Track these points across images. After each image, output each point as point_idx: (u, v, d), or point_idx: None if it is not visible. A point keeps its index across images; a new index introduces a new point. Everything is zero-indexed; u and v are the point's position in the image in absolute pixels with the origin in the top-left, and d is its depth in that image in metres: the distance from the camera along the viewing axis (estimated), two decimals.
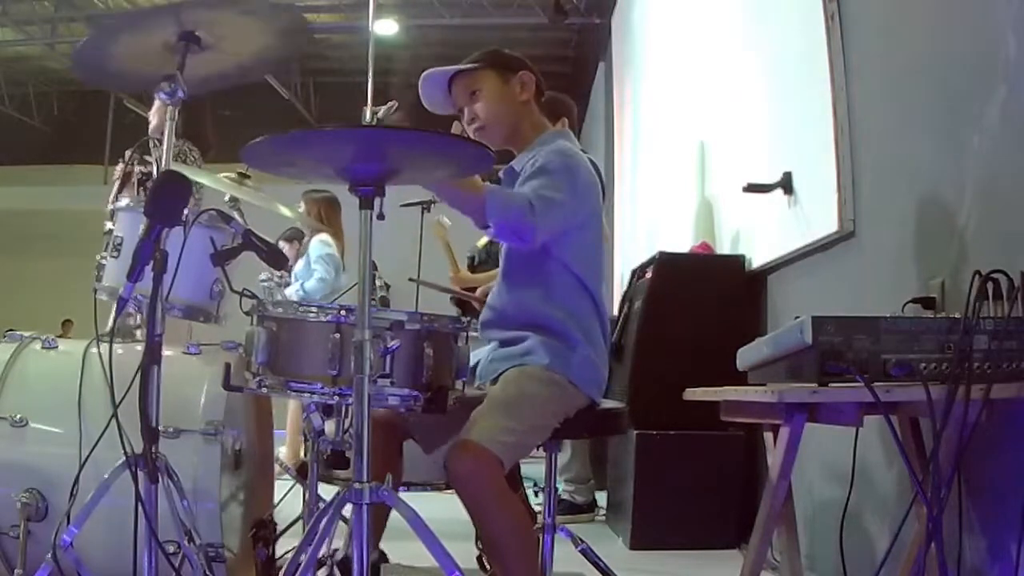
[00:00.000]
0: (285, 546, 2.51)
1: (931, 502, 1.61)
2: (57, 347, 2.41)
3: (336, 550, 1.99)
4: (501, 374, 2.07)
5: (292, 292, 5.03)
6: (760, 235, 3.58)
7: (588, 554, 2.30)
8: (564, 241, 2.09)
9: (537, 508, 2.68)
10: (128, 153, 3.41)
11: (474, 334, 2.04)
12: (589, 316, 2.12)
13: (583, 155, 2.18)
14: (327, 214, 5.27)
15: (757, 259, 3.60)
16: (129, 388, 1.76)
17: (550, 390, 2.02)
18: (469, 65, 2.22)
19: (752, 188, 3.31)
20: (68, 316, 11.72)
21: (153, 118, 3.67)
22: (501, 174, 2.26)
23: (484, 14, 9.50)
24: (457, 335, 1.90)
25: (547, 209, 2.01)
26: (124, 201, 2.34)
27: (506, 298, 2.15)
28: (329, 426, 2.07)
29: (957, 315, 1.67)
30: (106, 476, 1.82)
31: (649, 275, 3.81)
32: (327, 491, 1.98)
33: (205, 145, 3.67)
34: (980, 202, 1.99)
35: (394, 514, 1.80)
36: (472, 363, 2.05)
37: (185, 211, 1.85)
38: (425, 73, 2.22)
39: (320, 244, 5.21)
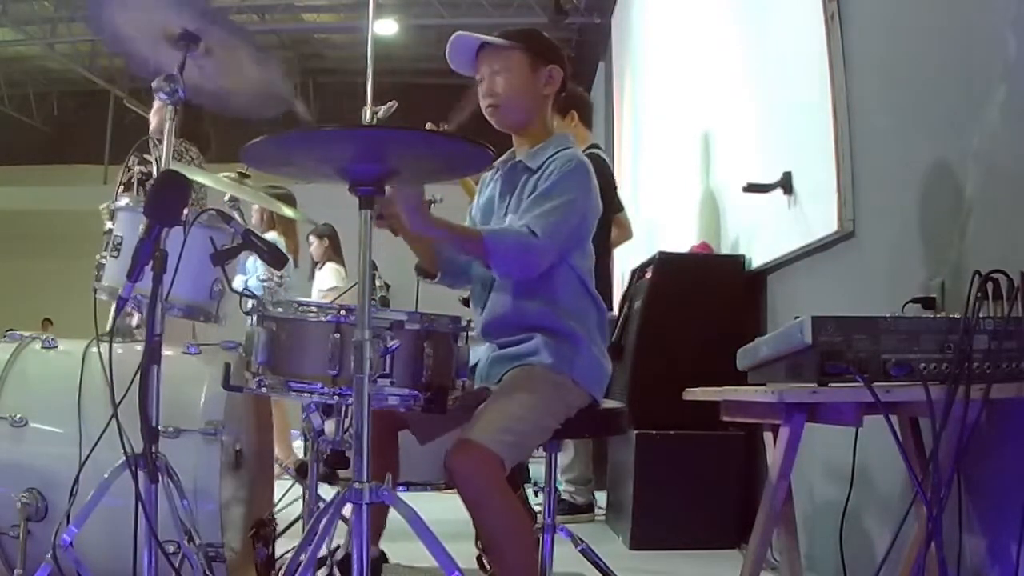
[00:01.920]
0: (285, 546, 2.51)
1: (931, 502, 1.61)
2: (57, 347, 2.41)
3: (338, 547, 1.99)
4: (505, 374, 2.07)
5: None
6: (760, 235, 3.58)
7: (588, 554, 2.30)
8: (577, 248, 2.11)
9: (537, 508, 2.68)
10: (130, 156, 3.42)
11: (474, 334, 2.04)
12: (591, 315, 2.13)
13: (588, 163, 2.16)
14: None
15: (757, 259, 3.60)
16: (129, 388, 1.76)
17: (553, 391, 2.02)
18: (503, 41, 2.16)
19: (752, 188, 3.31)
20: (68, 316, 11.73)
21: (153, 118, 3.66)
22: (498, 164, 2.24)
23: (484, 14, 9.51)
24: (457, 335, 1.90)
25: (554, 236, 2.01)
26: (124, 201, 2.34)
27: (510, 305, 2.12)
28: (329, 426, 2.07)
29: (957, 315, 1.67)
30: (106, 476, 1.82)
31: (649, 275, 3.81)
32: (327, 491, 1.98)
33: (204, 143, 3.66)
34: (980, 202, 1.99)
35: (394, 514, 1.80)
36: (471, 363, 2.05)
37: (185, 211, 1.85)
38: (457, 33, 2.17)
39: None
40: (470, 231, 2.05)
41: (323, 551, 1.84)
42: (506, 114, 2.17)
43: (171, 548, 1.89)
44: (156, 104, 3.63)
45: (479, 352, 2.14)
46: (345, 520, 1.87)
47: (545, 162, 2.12)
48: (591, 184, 2.12)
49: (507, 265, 2.02)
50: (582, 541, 2.30)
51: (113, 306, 3.26)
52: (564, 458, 4.12)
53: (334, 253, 5.69)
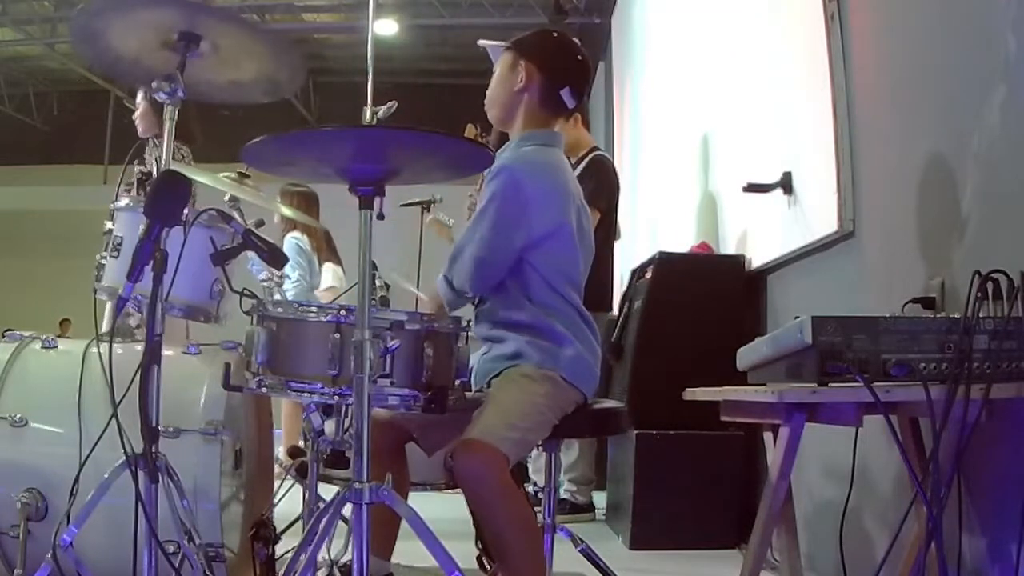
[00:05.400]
0: (285, 546, 2.51)
1: (931, 502, 1.61)
2: (57, 347, 2.41)
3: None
4: (495, 375, 2.08)
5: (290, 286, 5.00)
6: (760, 235, 3.58)
7: (588, 554, 2.30)
8: (534, 251, 2.11)
9: (537, 509, 2.68)
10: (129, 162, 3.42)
11: (472, 334, 2.04)
12: (570, 314, 2.14)
13: (546, 164, 2.16)
14: (301, 209, 5.24)
15: (757, 259, 3.60)
16: (129, 388, 1.75)
17: (545, 387, 2.04)
18: (502, 44, 2.31)
19: (752, 188, 3.31)
20: (68, 316, 11.74)
21: (139, 122, 3.65)
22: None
23: (484, 14, 9.51)
24: (457, 335, 1.90)
25: (477, 277, 2.12)
26: (124, 201, 2.34)
27: (494, 301, 2.16)
28: (329, 426, 2.07)
29: (957, 315, 1.67)
30: (106, 476, 1.82)
31: (649, 275, 3.81)
32: (327, 491, 1.98)
33: (191, 139, 3.65)
34: (980, 202, 1.99)
35: None
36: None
37: (185, 211, 1.85)
38: (480, 42, 2.39)
39: (295, 243, 5.17)
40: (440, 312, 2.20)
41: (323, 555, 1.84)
42: (489, 112, 2.30)
43: (171, 548, 1.89)
44: (140, 108, 3.62)
45: (473, 358, 2.14)
46: (345, 520, 1.87)
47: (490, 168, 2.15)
48: (517, 201, 2.09)
49: (461, 300, 2.20)
50: (582, 541, 2.30)
51: (108, 306, 3.27)
52: (568, 458, 4.12)
53: (330, 253, 5.67)
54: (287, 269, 5.09)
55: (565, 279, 2.15)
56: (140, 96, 3.63)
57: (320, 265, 5.51)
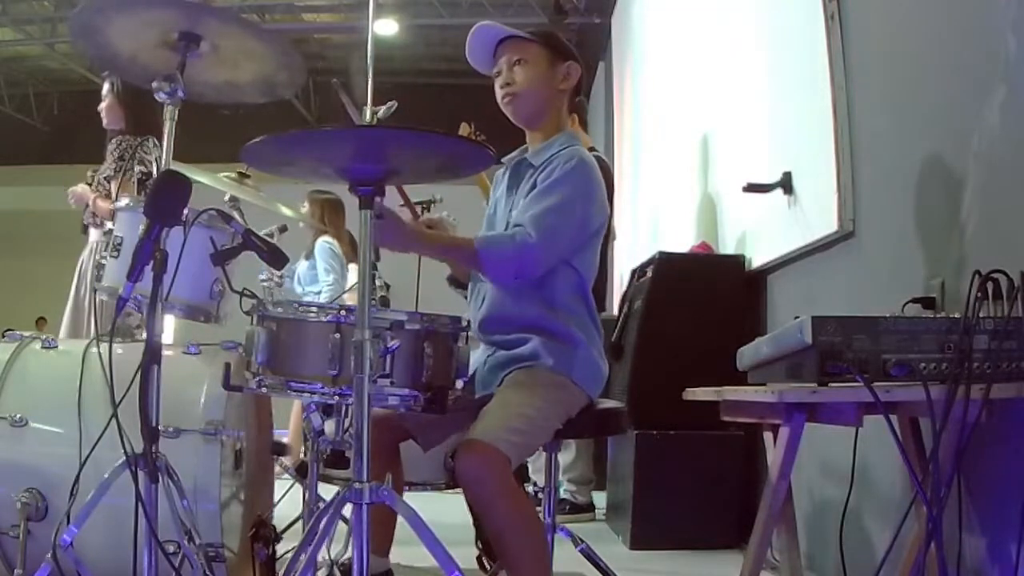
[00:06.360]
0: (285, 546, 2.51)
1: (931, 502, 1.61)
2: (57, 347, 2.41)
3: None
4: (506, 376, 2.07)
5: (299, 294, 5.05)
6: (760, 235, 3.58)
7: (588, 554, 2.30)
8: (583, 248, 2.12)
9: (537, 509, 2.68)
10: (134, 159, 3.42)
11: (470, 332, 2.03)
12: (586, 316, 2.13)
13: (591, 161, 2.17)
14: (329, 215, 5.27)
15: (757, 259, 3.60)
16: (129, 388, 1.75)
17: (555, 392, 2.03)
18: (525, 33, 2.20)
19: (752, 188, 3.31)
20: (55, 316, 11.73)
21: (104, 115, 3.62)
22: (506, 162, 2.25)
23: (484, 14, 9.49)
24: (457, 335, 1.90)
25: (551, 238, 2.01)
26: (124, 201, 2.34)
27: (508, 301, 2.12)
28: (329, 426, 2.07)
29: (957, 315, 1.67)
30: (106, 476, 1.82)
31: (649, 275, 3.81)
32: (327, 491, 1.98)
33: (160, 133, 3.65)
34: (980, 202, 1.99)
35: None
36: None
37: (185, 211, 1.85)
38: (479, 24, 2.20)
39: (327, 247, 5.21)
40: (461, 242, 2.05)
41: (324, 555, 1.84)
42: (521, 105, 2.17)
43: (171, 548, 1.89)
44: (106, 101, 3.59)
45: (475, 358, 2.13)
46: (345, 520, 1.87)
47: (548, 158, 2.13)
48: (593, 183, 2.11)
49: (503, 273, 2.04)
50: (582, 541, 2.30)
51: (91, 303, 3.26)
52: (566, 458, 4.12)
53: (355, 255, 5.71)
54: (321, 273, 5.14)
55: (592, 275, 2.16)
56: (106, 88, 3.60)
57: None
